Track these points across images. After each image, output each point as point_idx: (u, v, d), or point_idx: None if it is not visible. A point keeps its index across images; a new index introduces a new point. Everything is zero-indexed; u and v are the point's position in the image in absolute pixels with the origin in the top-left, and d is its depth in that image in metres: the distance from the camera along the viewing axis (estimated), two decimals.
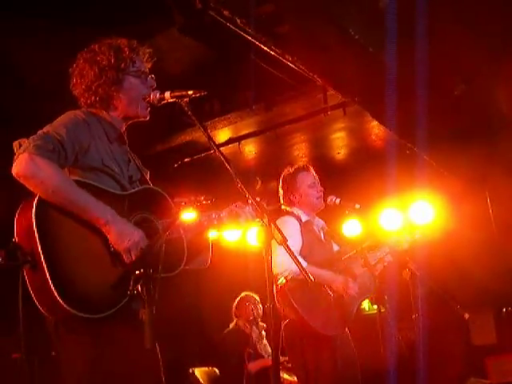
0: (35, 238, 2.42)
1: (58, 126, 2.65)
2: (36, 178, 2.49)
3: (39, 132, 2.60)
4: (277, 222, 4.76)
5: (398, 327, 4.91)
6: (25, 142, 2.55)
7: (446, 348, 7.44)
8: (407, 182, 6.99)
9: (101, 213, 2.56)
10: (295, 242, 4.59)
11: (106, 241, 2.58)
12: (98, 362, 2.53)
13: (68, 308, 2.40)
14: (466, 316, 4.94)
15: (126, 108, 2.91)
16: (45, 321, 2.62)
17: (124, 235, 2.58)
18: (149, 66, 3.01)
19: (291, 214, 4.89)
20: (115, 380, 2.54)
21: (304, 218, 4.86)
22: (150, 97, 2.91)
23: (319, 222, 4.98)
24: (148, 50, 3.01)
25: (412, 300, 4.79)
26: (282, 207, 4.99)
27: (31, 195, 2.53)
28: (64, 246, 2.49)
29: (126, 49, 2.91)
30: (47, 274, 2.39)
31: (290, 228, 4.68)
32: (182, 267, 2.85)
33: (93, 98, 2.86)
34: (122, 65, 2.88)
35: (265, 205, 2.76)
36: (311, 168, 5.00)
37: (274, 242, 4.35)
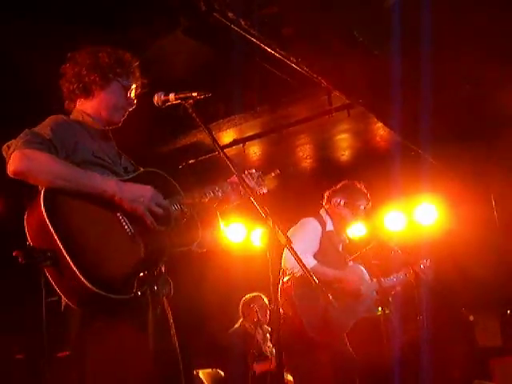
0: (50, 231, 2.40)
1: (42, 127, 2.69)
2: (34, 170, 2.52)
3: (25, 130, 2.63)
4: (300, 220, 4.83)
5: (402, 329, 4.90)
6: (12, 143, 2.58)
7: (451, 350, 7.42)
8: (412, 184, 6.98)
9: (107, 184, 2.59)
10: (312, 243, 4.65)
11: (121, 220, 2.59)
12: (119, 357, 2.53)
13: (98, 291, 2.38)
14: (471, 318, 4.95)
15: (101, 109, 2.94)
16: (65, 318, 2.63)
17: (136, 198, 2.61)
18: (137, 91, 3.03)
19: (318, 217, 4.90)
20: (130, 376, 2.53)
21: (328, 227, 4.88)
22: (129, 108, 2.97)
23: (342, 237, 5.01)
24: (144, 79, 3.04)
25: (416, 302, 4.79)
26: (323, 202, 5.00)
27: (32, 198, 2.52)
28: (81, 233, 2.48)
29: (127, 62, 2.96)
30: (71, 263, 2.37)
31: (311, 229, 4.73)
32: (199, 239, 2.87)
33: (75, 85, 2.90)
34: (118, 70, 2.92)
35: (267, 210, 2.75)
36: (370, 204, 5.00)
37: (290, 233, 4.45)
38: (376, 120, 6.34)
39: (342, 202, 4.90)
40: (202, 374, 6.85)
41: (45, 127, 2.67)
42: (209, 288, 7.86)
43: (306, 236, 4.71)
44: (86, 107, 2.94)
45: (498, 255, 7.12)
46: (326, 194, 5.01)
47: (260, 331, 6.57)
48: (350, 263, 4.96)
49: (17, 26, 4.57)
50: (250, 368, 6.23)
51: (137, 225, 2.62)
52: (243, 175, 3.15)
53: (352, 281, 4.67)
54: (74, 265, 2.37)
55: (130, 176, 2.82)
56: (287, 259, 4.32)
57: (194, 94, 2.86)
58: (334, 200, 4.94)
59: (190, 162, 7.22)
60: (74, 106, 2.97)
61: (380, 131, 7.11)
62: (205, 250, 3.13)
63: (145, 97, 3.05)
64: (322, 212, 4.95)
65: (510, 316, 7.67)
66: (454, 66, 5.33)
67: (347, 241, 5.09)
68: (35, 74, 4.86)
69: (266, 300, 6.81)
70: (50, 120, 2.75)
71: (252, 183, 3.21)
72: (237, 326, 6.93)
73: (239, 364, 6.38)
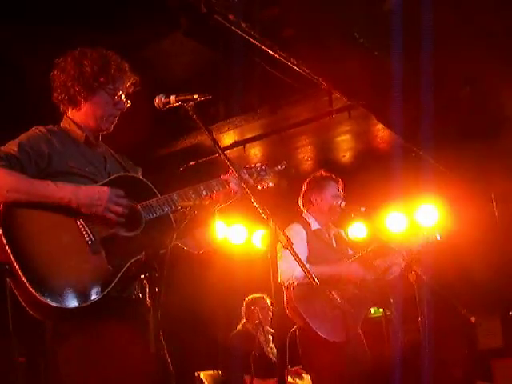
0: (4, 244, 2.42)
1: (10, 143, 2.69)
2: None
3: None
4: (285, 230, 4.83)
5: (403, 330, 4.89)
6: None
7: (452, 351, 7.41)
8: (412, 185, 6.98)
9: (62, 192, 2.57)
10: (299, 251, 4.63)
11: (80, 228, 2.56)
12: (94, 364, 2.52)
13: (53, 304, 2.38)
14: (473, 319, 4.92)
15: (88, 118, 2.93)
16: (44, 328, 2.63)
17: (93, 201, 2.59)
18: (129, 90, 3.00)
19: (301, 220, 4.91)
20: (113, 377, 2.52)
21: (314, 226, 4.89)
22: (119, 112, 2.95)
23: (332, 230, 5.00)
24: (135, 77, 3.00)
25: (418, 303, 4.78)
26: (301, 208, 5.02)
27: None
28: (36, 244, 2.48)
29: (113, 66, 2.92)
30: (21, 275, 2.38)
31: (294, 237, 4.71)
32: (174, 240, 2.80)
33: (63, 95, 2.91)
34: (102, 78, 2.89)
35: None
36: (341, 183, 5.00)
37: (278, 247, 4.42)
38: (377, 121, 6.33)
39: (312, 199, 4.94)
40: (203, 375, 6.84)
41: (13, 143, 2.68)
42: (210, 290, 7.86)
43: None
44: (74, 116, 2.95)
45: (499, 256, 7.11)
46: (299, 202, 5.06)
47: (262, 333, 6.55)
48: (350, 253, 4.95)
49: (16, 26, 4.58)
50: (251, 369, 6.21)
51: (101, 232, 2.60)
52: (241, 170, 3.07)
53: (354, 270, 4.65)
54: (25, 277, 2.38)
55: (101, 183, 2.78)
56: (281, 272, 4.38)
57: (195, 96, 2.86)
58: (305, 201, 4.99)
59: (191, 163, 7.21)
60: (66, 111, 2.98)
61: (381, 132, 7.10)
62: (201, 252, 3.11)
63: (146, 99, 3.04)
64: (305, 214, 4.98)
65: None
66: (455, 67, 5.33)
67: (342, 233, 5.10)
68: (35, 75, 4.87)
69: (268, 301, 6.80)
70: (22, 135, 2.76)
71: (249, 178, 3.13)
72: (239, 327, 6.92)
73: (240, 365, 6.37)
